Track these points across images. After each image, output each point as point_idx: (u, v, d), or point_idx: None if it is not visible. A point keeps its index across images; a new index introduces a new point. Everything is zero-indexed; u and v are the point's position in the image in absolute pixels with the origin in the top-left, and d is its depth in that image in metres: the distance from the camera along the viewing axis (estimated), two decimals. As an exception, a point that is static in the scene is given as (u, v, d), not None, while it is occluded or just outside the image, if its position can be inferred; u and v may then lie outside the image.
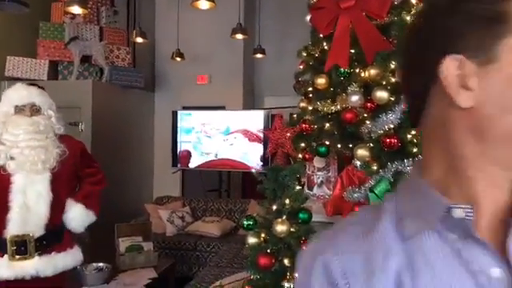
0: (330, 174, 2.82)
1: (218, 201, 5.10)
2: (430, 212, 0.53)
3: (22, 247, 2.34)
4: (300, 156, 2.53)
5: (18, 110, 2.41)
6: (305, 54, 2.58)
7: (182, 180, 5.97)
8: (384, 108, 1.93)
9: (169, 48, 5.70)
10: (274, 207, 1.97)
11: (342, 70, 2.35)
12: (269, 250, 1.90)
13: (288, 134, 2.43)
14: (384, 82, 1.98)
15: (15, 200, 2.34)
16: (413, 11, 2.18)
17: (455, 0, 0.53)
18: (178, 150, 5.45)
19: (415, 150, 1.86)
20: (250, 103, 6.57)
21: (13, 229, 2.33)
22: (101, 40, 5.04)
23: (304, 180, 2.94)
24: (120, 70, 5.12)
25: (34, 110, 2.43)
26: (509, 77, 0.50)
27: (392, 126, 1.90)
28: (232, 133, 5.26)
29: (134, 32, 5.01)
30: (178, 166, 5.45)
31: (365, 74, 2.19)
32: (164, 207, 4.91)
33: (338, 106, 2.36)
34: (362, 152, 2.01)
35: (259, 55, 5.79)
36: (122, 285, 3.20)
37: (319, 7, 2.34)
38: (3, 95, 2.51)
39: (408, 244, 0.54)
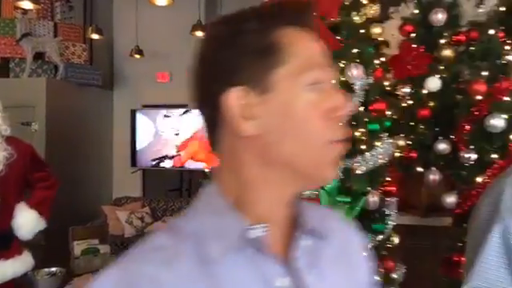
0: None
1: (179, 200, 5.05)
2: (232, 232, 0.54)
3: (-32, 254, 2.23)
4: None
5: (-39, 110, 2.28)
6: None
7: (142, 180, 5.85)
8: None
9: (127, 45, 5.56)
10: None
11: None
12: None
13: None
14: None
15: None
16: (362, 11, 2.22)
17: (232, 33, 0.55)
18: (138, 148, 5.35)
19: (363, 147, 1.90)
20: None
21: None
22: (55, 36, 4.86)
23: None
24: (76, 67, 4.95)
25: (-23, 110, 2.31)
26: (284, 104, 0.54)
27: (341, 124, 1.94)
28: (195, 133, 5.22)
29: (90, 28, 4.86)
30: (138, 165, 5.35)
31: (316, 73, 2.22)
32: (122, 208, 4.81)
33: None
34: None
35: (220, 53, 5.75)
36: (77, 289, 3.10)
37: (272, 6, 2.34)
38: None
39: (214, 267, 0.54)
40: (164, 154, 5.30)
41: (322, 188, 1.97)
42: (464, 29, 2.26)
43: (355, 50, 1.93)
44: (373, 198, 1.87)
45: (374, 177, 1.93)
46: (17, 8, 4.46)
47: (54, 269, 3.14)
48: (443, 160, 2.13)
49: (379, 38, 2.39)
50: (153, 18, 5.74)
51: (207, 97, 0.58)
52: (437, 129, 2.21)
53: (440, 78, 2.17)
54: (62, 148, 4.43)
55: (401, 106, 2.28)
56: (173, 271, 0.53)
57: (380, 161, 1.92)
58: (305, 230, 0.59)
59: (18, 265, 2.45)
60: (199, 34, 4.92)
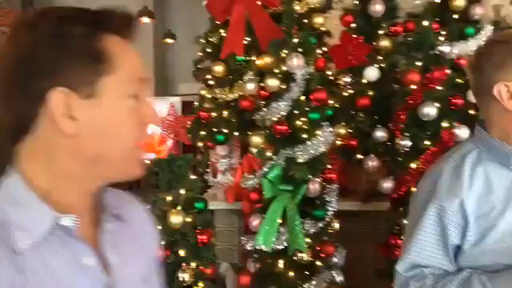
0: (233, 160, 2.84)
1: (127, 191, 4.91)
2: (42, 224, 0.58)
3: None
4: (201, 144, 2.51)
5: None
6: (203, 41, 2.54)
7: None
8: (276, 96, 1.97)
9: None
10: (169, 198, 1.92)
11: (238, 57, 2.36)
12: (163, 242, 1.86)
13: (189, 122, 2.39)
14: (276, 71, 2.01)
15: None
16: (304, 1, 2.24)
17: (56, 35, 0.57)
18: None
19: (305, 136, 1.93)
20: (162, 90, 6.37)
21: None
22: (-11, 20, 4.52)
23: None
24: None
25: None
26: (106, 111, 0.59)
27: (283, 114, 1.95)
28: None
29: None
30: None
31: (260, 62, 2.21)
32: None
33: (236, 94, 2.37)
34: (256, 139, 2.04)
35: (169, 40, 5.61)
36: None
37: (215, -7, 2.30)
38: None
39: (21, 259, 0.56)
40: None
41: (265, 177, 1.99)
42: (401, 20, 2.34)
43: (296, 40, 1.93)
44: (314, 186, 1.91)
45: (315, 165, 1.96)
46: None
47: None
48: (381, 147, 2.21)
49: (322, 28, 2.42)
50: (98, 3, 5.48)
51: (29, 89, 0.58)
52: (376, 117, 2.28)
53: (378, 67, 2.24)
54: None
55: (342, 95, 2.34)
56: None
57: (321, 149, 1.96)
58: (108, 215, 0.66)
59: None
60: (146, 20, 4.77)
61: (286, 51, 1.94)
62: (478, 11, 2.28)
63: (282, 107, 1.94)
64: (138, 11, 4.76)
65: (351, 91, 2.32)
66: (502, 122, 0.97)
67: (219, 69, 2.38)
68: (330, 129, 2.00)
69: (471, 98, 2.23)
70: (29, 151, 0.60)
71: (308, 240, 1.91)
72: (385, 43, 2.26)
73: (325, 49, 2.37)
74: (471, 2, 2.29)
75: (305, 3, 2.17)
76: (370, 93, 2.28)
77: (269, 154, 2.01)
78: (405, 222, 2.04)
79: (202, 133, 2.47)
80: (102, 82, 0.59)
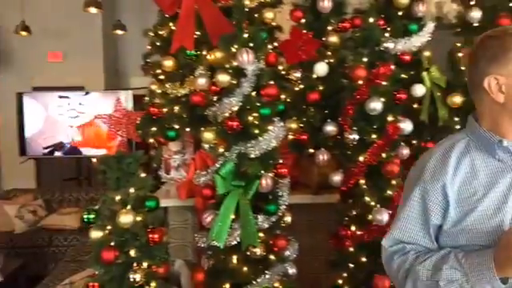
0: (186, 156, 2.80)
1: (76, 190, 4.73)
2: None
3: None
4: (151, 140, 2.45)
5: None
6: (152, 34, 2.47)
7: (36, 170, 5.38)
8: (227, 91, 1.95)
9: (12, 21, 4.99)
10: (118, 197, 1.86)
11: (188, 51, 2.32)
12: (113, 243, 1.80)
13: (138, 118, 2.32)
14: (227, 66, 1.99)
15: None
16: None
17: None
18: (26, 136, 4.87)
19: (256, 131, 1.93)
20: (113, 83, 6.16)
21: None
22: None
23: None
24: None
25: None
26: None
27: (235, 109, 1.94)
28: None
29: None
30: (28, 154, 4.88)
31: (211, 57, 2.19)
32: (12, 202, 4.38)
33: (187, 89, 2.33)
34: (208, 135, 2.02)
35: (119, 31, 5.42)
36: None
37: (163, -15, 2.24)
38: None
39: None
40: (58, 141, 4.90)
41: (217, 173, 1.98)
42: (349, 16, 2.39)
43: (246, 35, 1.92)
44: (266, 181, 1.93)
45: (267, 160, 1.98)
46: None
47: None
48: (331, 141, 2.26)
49: (273, 23, 2.43)
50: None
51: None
52: (326, 111, 2.33)
53: (328, 63, 2.28)
54: None
55: (293, 90, 2.36)
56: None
57: (273, 144, 1.97)
58: None
59: None
60: (93, 10, 4.57)
61: (237, 46, 1.93)
62: (421, 8, 2.37)
63: (233, 103, 1.93)
64: (85, 1, 4.56)
65: (302, 86, 2.35)
66: (491, 114, 1.06)
67: (169, 63, 2.33)
68: (282, 124, 2.02)
69: (414, 92, 2.33)
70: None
71: (261, 235, 1.93)
72: (333, 39, 2.30)
73: (276, 44, 2.38)
74: (415, -1, 2.39)
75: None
76: (320, 88, 2.32)
77: (221, 149, 2.00)
78: (354, 213, 2.13)
79: (153, 129, 2.41)
80: None
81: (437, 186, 1.07)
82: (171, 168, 2.82)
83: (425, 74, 2.36)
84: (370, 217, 2.01)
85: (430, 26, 2.38)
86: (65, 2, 5.37)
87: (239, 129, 1.92)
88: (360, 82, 2.01)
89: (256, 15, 2.29)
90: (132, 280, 1.81)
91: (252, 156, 1.93)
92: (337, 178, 2.11)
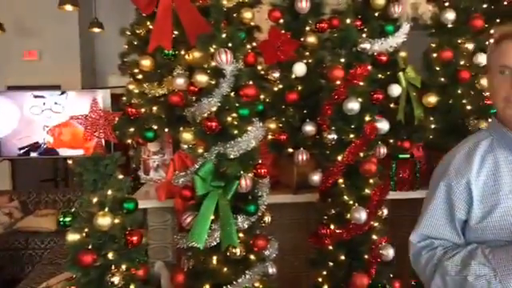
0: (165, 157, 2.78)
1: (53, 191, 4.64)
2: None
3: None
4: (129, 141, 2.42)
5: None
6: (129, 33, 2.44)
7: (11, 171, 5.25)
8: (206, 91, 1.94)
9: (-17, 18, 4.85)
10: (95, 199, 1.83)
11: (166, 51, 2.29)
12: (90, 246, 1.78)
13: (116, 118, 2.28)
14: (205, 66, 1.97)
15: None
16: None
17: None
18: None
19: (236, 131, 1.93)
20: (91, 82, 6.06)
21: None
22: None
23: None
24: None
25: None
26: None
27: (213, 110, 1.93)
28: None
29: None
30: (3, 155, 4.75)
31: (189, 57, 2.17)
32: (-15, 204, 4.28)
33: (165, 89, 2.31)
34: (186, 136, 2.01)
35: (96, 29, 5.34)
36: None
37: (139, -16, 2.22)
38: None
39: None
40: (34, 142, 4.79)
41: (196, 174, 1.97)
42: (327, 16, 2.41)
43: (225, 35, 1.92)
44: (245, 181, 1.93)
45: (246, 160, 1.98)
46: None
47: None
48: (310, 141, 2.28)
49: (251, 23, 2.43)
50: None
51: None
52: (305, 111, 2.34)
53: (306, 63, 2.30)
54: None
55: (272, 90, 2.37)
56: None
57: (252, 144, 1.98)
58: None
59: None
60: (69, 8, 4.49)
61: (215, 46, 1.92)
62: (397, 10, 2.41)
63: (211, 103, 1.92)
64: (60, -1, 4.47)
65: (281, 86, 2.36)
66: None
67: (147, 63, 2.30)
68: (261, 124, 2.02)
69: (391, 92, 2.37)
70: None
71: (241, 235, 1.93)
72: (311, 39, 2.32)
73: (255, 44, 2.39)
74: (391, 0, 2.43)
75: (233, -3, 2.16)
76: (299, 88, 2.33)
77: (200, 150, 1.99)
78: (333, 211, 2.15)
79: (131, 129, 2.38)
80: None
81: (461, 181, 1.12)
82: (150, 168, 2.79)
83: (401, 74, 2.40)
84: (349, 215, 2.03)
85: (406, 27, 2.42)
86: (39, 0, 5.25)
87: (218, 129, 1.91)
88: (338, 83, 2.03)
89: (234, 15, 2.28)
90: (110, 283, 1.79)
91: (231, 156, 1.93)
92: (316, 177, 2.13)
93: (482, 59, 2.38)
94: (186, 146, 2.09)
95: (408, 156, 2.40)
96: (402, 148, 2.38)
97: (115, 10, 5.67)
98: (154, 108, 2.32)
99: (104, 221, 1.79)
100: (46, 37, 5.50)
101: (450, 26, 2.39)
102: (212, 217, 1.92)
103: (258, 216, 2.02)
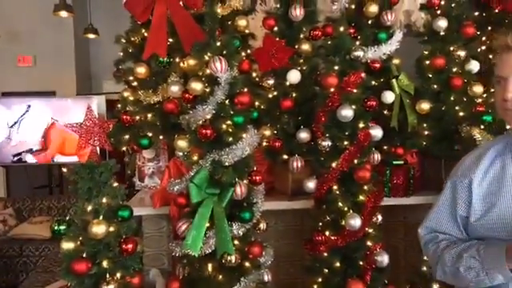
0: (160, 164, 2.78)
1: (48, 198, 4.62)
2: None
3: None
4: (124, 149, 2.42)
5: None
6: (124, 41, 2.44)
7: (5, 178, 5.22)
8: (200, 99, 1.95)
9: (-23, 24, 4.84)
10: (90, 207, 1.83)
11: (161, 59, 2.30)
12: (85, 254, 1.77)
13: (111, 126, 2.28)
14: (200, 73, 1.98)
15: None
16: (227, 3, 2.24)
17: None
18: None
19: (230, 139, 1.93)
20: (85, 88, 6.06)
21: None
22: None
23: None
24: None
25: None
26: None
27: (208, 117, 1.94)
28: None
29: None
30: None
31: (184, 65, 2.18)
32: (-21, 212, 4.24)
33: (160, 96, 2.32)
34: (181, 143, 2.01)
35: (91, 35, 5.34)
36: None
37: (135, -8, 2.23)
38: None
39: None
40: (28, 148, 4.77)
41: (191, 181, 1.97)
42: (321, 24, 2.43)
43: (219, 43, 1.93)
44: (240, 188, 1.93)
45: (241, 167, 1.98)
46: None
47: None
48: (305, 148, 2.29)
49: (246, 31, 2.45)
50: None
51: None
52: (299, 118, 2.36)
53: (300, 70, 2.31)
54: None
55: (267, 97, 2.38)
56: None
57: (247, 152, 1.98)
58: None
59: None
60: (64, 14, 4.49)
61: (210, 54, 1.93)
62: (389, 17, 2.44)
63: (206, 110, 1.93)
64: (55, 5, 4.47)
65: (275, 93, 2.37)
66: None
67: (142, 70, 2.31)
68: (255, 131, 2.02)
69: (384, 99, 2.39)
70: None
71: (236, 242, 1.93)
72: (305, 47, 2.33)
73: (249, 51, 2.40)
74: (384, 8, 2.45)
75: (227, 6, 2.17)
76: (293, 95, 2.35)
77: (195, 157, 1.99)
78: (328, 218, 2.16)
79: (126, 137, 2.38)
80: None
81: (464, 181, 1.21)
82: (145, 175, 2.79)
83: (394, 81, 2.42)
84: (344, 222, 2.04)
85: (399, 35, 2.44)
86: (35, 5, 5.25)
87: (213, 137, 1.92)
88: (332, 90, 2.05)
89: (229, 23, 2.30)
90: (105, 291, 1.78)
91: (226, 164, 1.93)
92: (311, 184, 2.14)
93: (473, 66, 2.41)
94: (180, 154, 2.09)
95: (402, 162, 2.42)
96: (395, 154, 2.40)
97: (110, 15, 5.68)
98: (149, 115, 2.33)
99: (99, 229, 1.79)
100: (40, 43, 5.49)
101: (442, 33, 2.42)
102: (207, 224, 1.92)
103: (253, 223, 2.02)
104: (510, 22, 2.62)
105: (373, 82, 2.39)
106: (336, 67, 2.06)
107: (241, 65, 2.08)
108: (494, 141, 1.27)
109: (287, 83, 2.33)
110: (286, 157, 2.35)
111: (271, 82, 2.36)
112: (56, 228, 1.80)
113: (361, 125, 2.07)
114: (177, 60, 2.25)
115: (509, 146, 1.19)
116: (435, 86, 2.43)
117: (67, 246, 1.83)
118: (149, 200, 2.53)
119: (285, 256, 2.45)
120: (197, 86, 1.92)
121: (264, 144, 2.31)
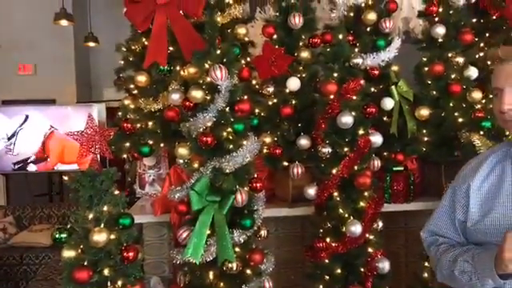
0: (161, 171, 2.78)
1: (48, 206, 4.61)
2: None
3: None
4: (125, 156, 2.43)
5: None
6: (125, 49, 2.46)
7: (5, 186, 5.22)
8: (201, 107, 1.96)
9: (-23, 33, 4.87)
10: (91, 215, 1.83)
11: (162, 67, 2.32)
12: (86, 262, 1.77)
13: (112, 134, 2.29)
14: (200, 81, 1.99)
15: None
16: (227, 12, 2.26)
17: None
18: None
19: (231, 146, 1.94)
20: (86, 96, 6.08)
21: None
22: None
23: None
24: None
25: None
26: None
27: (209, 125, 1.95)
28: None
29: None
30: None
31: (184, 73, 2.20)
32: (-20, 220, 4.24)
33: (161, 104, 2.33)
34: (182, 150, 2.02)
35: (92, 43, 5.37)
36: None
37: (135, 1, 2.25)
38: None
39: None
40: (28, 156, 4.78)
41: (192, 188, 1.98)
42: (319, 31, 2.45)
43: (219, 51, 1.94)
44: (241, 196, 1.93)
45: (242, 175, 1.99)
46: None
47: None
48: (305, 154, 2.30)
49: (246, 38, 2.46)
50: (9, 4, 5.10)
51: None
52: (299, 125, 2.37)
53: (300, 77, 2.33)
54: None
55: (267, 105, 2.39)
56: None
57: (247, 159, 1.99)
58: None
59: None
60: (64, 23, 4.52)
61: (210, 62, 1.94)
62: (388, 25, 2.46)
63: (207, 118, 1.94)
64: (56, 14, 4.50)
65: (275, 100, 2.38)
66: None
67: (142, 78, 2.32)
68: (256, 138, 2.03)
69: (384, 106, 2.40)
70: None
71: (237, 249, 1.93)
72: (305, 54, 2.35)
73: (249, 59, 2.41)
74: (382, 15, 2.47)
75: (227, 14, 2.19)
76: (293, 102, 2.36)
77: (196, 165, 2.00)
78: (328, 225, 2.16)
79: (127, 145, 2.38)
80: None
81: (463, 187, 1.24)
82: (146, 183, 2.79)
83: (393, 87, 2.43)
84: (344, 229, 2.04)
85: (397, 42, 2.46)
86: (35, 14, 5.29)
87: (213, 144, 1.93)
88: (331, 97, 2.06)
89: (229, 31, 2.32)
90: (106, 299, 1.78)
91: (227, 171, 1.94)
92: (311, 190, 2.14)
93: (472, 72, 2.42)
94: (181, 161, 2.09)
95: (402, 168, 2.43)
96: (395, 161, 2.41)
97: (110, 24, 5.72)
98: (150, 123, 2.34)
99: (100, 237, 1.79)
100: (41, 51, 5.52)
101: (440, 40, 2.44)
102: (208, 231, 1.93)
103: (254, 230, 2.02)
104: (507, 28, 2.64)
105: (372, 89, 2.41)
106: (335, 74, 2.08)
107: (241, 72, 2.10)
108: (495, 148, 1.28)
109: (287, 90, 2.35)
110: (286, 164, 2.36)
111: (271, 89, 2.37)
112: (57, 236, 1.79)
113: (361, 131, 2.08)
114: (177, 68, 2.27)
115: (509, 153, 1.20)
116: (434, 93, 2.45)
117: (68, 254, 1.83)
118: (149, 207, 2.53)
119: (286, 263, 2.45)
120: (197, 94, 1.94)
121: (264, 151, 2.32)
